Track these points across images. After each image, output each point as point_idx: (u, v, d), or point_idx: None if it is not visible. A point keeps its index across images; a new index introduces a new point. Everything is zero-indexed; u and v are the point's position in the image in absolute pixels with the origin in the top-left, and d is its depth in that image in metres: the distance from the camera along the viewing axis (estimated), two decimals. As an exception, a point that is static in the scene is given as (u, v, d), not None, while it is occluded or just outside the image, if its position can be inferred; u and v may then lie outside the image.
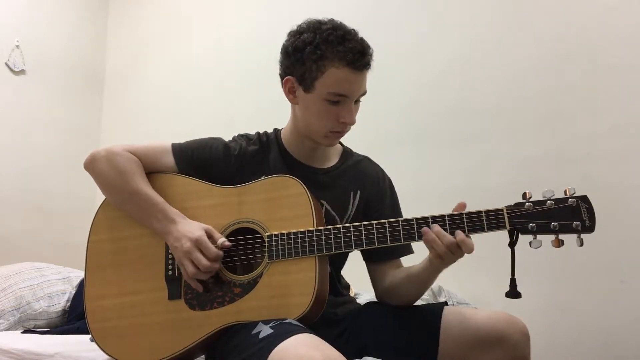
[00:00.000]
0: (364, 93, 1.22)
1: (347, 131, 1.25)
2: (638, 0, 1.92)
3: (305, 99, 1.21)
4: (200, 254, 1.12)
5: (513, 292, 1.05)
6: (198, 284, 1.14)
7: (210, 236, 1.14)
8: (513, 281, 1.06)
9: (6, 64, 2.87)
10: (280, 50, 1.25)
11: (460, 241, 1.03)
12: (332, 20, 1.20)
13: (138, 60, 3.31)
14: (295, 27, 1.23)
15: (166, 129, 3.06)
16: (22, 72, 2.94)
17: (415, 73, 2.36)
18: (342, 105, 1.18)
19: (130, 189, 1.21)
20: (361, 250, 1.28)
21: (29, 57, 2.97)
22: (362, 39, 1.19)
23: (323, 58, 1.15)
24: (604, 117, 1.94)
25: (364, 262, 1.32)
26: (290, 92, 1.24)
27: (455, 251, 1.04)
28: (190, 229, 1.14)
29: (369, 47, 1.19)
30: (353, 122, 1.21)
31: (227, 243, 1.14)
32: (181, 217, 1.18)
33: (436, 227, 1.06)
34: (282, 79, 1.25)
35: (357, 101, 1.23)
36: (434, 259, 1.09)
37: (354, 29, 1.20)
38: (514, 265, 1.05)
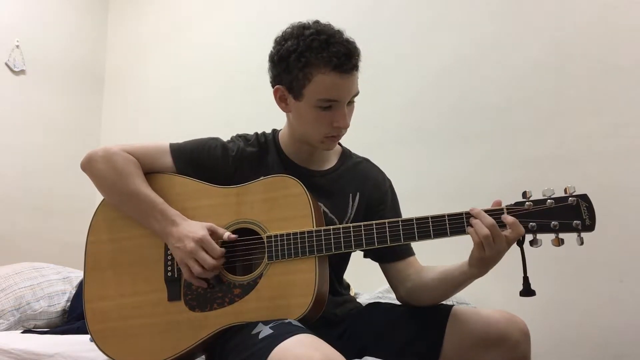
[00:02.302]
0: (356, 94, 1.20)
1: (344, 134, 1.24)
2: (638, 0, 1.92)
3: (296, 107, 1.20)
4: (205, 253, 1.11)
5: (527, 290, 1.04)
6: (202, 281, 1.14)
7: (213, 233, 1.14)
8: (526, 279, 1.04)
9: (6, 64, 2.87)
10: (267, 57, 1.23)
11: (504, 219, 1.01)
12: (316, 24, 1.17)
13: (138, 60, 3.31)
14: (280, 34, 1.20)
15: (166, 129, 3.06)
16: (22, 72, 2.94)
17: (415, 73, 2.36)
18: (335, 110, 1.17)
19: (129, 190, 1.20)
20: (369, 252, 1.28)
21: (29, 57, 2.97)
22: (347, 40, 1.16)
23: (309, 65, 1.13)
24: (604, 117, 1.93)
25: (363, 262, 1.32)
26: (281, 101, 1.23)
27: (497, 236, 1.00)
28: (192, 229, 1.14)
29: (355, 48, 1.16)
30: (347, 126, 1.20)
31: (233, 236, 1.14)
32: (181, 218, 1.17)
33: (476, 209, 1.03)
34: (272, 87, 1.23)
35: (351, 102, 1.21)
36: (475, 251, 1.04)
37: (339, 30, 1.17)
38: (525, 264, 1.04)
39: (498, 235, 1.01)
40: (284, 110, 1.26)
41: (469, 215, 1.05)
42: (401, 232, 1.08)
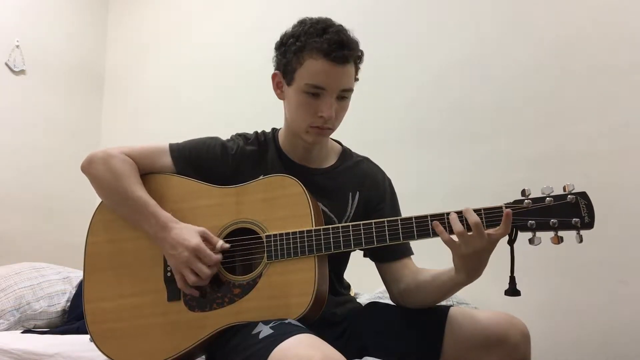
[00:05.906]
0: (348, 89, 1.18)
1: (329, 128, 1.21)
2: (638, 0, 1.92)
3: (288, 92, 1.21)
4: (200, 262, 1.11)
5: (512, 290, 1.04)
6: (194, 290, 1.14)
7: (205, 240, 1.13)
8: (512, 279, 1.05)
9: (6, 64, 2.87)
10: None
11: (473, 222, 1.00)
12: (320, 17, 1.21)
13: (138, 60, 3.31)
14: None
15: (166, 129, 3.06)
16: (22, 72, 2.94)
17: (415, 73, 2.36)
18: (321, 99, 1.16)
19: (122, 192, 1.20)
20: (367, 251, 1.28)
21: (29, 57, 2.96)
22: (346, 33, 1.17)
23: (302, 49, 1.15)
24: (604, 117, 1.93)
25: (363, 262, 1.31)
26: (277, 87, 1.25)
27: (475, 233, 1.00)
28: (185, 236, 1.12)
29: (353, 42, 1.17)
30: (331, 117, 1.17)
31: (226, 245, 1.14)
32: (174, 222, 1.16)
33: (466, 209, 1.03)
34: None
35: (344, 98, 1.20)
36: (455, 257, 1.04)
37: (342, 25, 1.19)
38: (513, 263, 1.04)
39: (481, 234, 1.00)
40: (279, 98, 1.27)
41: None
42: (400, 230, 1.08)
